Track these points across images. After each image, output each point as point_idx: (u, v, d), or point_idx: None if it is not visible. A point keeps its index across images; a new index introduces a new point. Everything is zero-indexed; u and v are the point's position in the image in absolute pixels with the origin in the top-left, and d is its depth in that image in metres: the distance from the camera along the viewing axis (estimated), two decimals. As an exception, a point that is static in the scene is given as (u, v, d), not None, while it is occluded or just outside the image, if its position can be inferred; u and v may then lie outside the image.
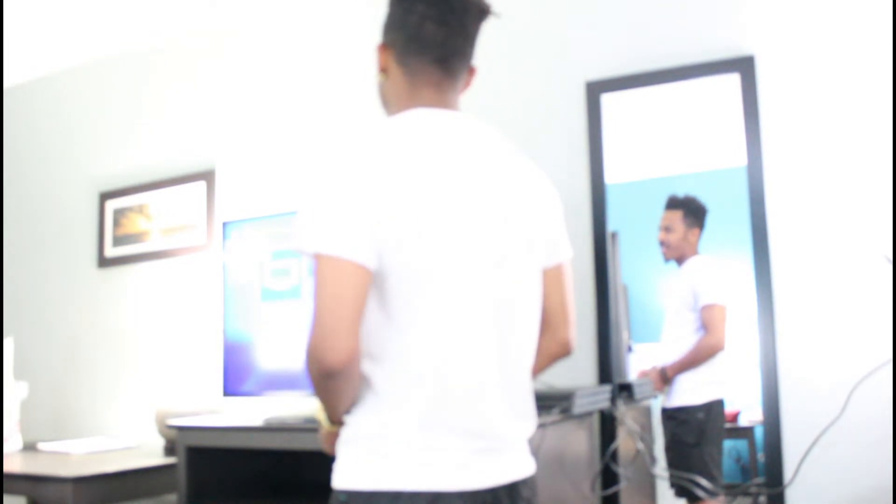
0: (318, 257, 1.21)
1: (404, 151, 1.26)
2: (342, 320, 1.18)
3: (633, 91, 2.46)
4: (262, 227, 2.57)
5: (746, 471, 2.24)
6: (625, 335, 2.43)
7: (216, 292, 3.20)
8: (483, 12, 1.38)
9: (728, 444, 2.27)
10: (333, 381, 1.21)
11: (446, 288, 1.24)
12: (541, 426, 1.94)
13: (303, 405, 2.92)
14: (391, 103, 1.42)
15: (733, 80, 2.33)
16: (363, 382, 1.26)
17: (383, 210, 1.21)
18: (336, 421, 1.30)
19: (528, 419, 1.36)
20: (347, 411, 1.28)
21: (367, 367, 1.25)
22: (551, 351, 1.48)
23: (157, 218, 3.41)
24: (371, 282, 1.22)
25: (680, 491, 2.30)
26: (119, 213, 3.53)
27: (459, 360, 1.25)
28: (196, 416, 2.85)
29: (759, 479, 2.21)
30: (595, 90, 2.52)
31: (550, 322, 1.46)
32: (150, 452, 2.94)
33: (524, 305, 1.34)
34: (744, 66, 2.31)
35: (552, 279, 1.45)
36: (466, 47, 1.38)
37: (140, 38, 3.53)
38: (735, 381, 2.26)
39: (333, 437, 1.34)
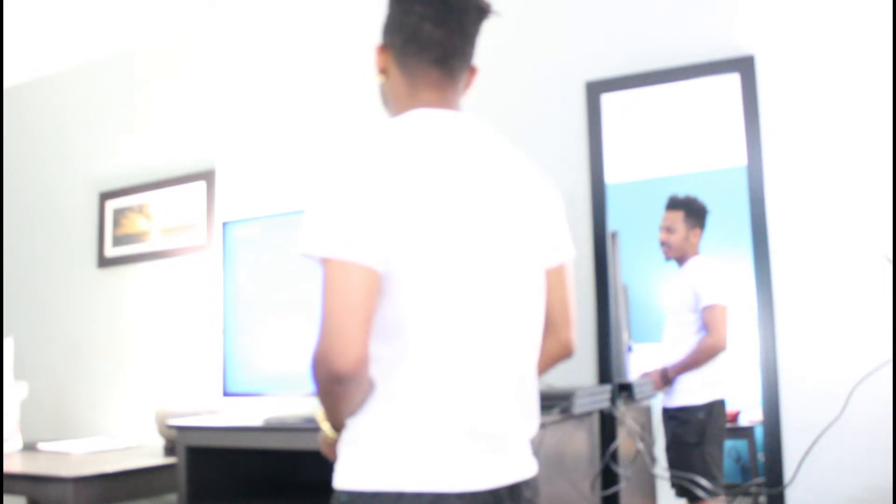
0: (325, 262, 1.20)
1: (407, 152, 1.25)
2: (352, 325, 1.17)
3: (633, 91, 2.47)
4: (262, 227, 2.57)
5: (746, 471, 2.24)
6: (625, 335, 2.43)
7: (216, 292, 3.20)
8: (482, 12, 1.38)
9: (728, 444, 2.27)
10: (342, 386, 1.19)
11: (450, 288, 1.24)
12: (541, 426, 1.94)
13: (303, 405, 2.92)
14: (392, 104, 1.42)
15: (733, 80, 2.33)
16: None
17: (387, 211, 1.21)
18: (340, 427, 1.30)
19: (531, 419, 1.35)
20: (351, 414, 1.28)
21: (369, 367, 1.25)
22: (552, 352, 1.48)
23: (157, 218, 3.41)
24: (380, 285, 1.22)
25: (680, 491, 2.30)
26: (119, 213, 3.53)
27: (463, 361, 1.24)
28: (196, 416, 2.85)
29: (759, 479, 2.21)
30: (595, 90, 2.52)
31: (552, 323, 1.46)
32: (150, 452, 2.94)
33: (527, 305, 1.34)
34: (744, 66, 2.31)
35: (554, 279, 1.45)
36: (466, 47, 1.37)
37: (140, 37, 3.53)
38: (735, 381, 2.26)
39: (336, 444, 1.34)
